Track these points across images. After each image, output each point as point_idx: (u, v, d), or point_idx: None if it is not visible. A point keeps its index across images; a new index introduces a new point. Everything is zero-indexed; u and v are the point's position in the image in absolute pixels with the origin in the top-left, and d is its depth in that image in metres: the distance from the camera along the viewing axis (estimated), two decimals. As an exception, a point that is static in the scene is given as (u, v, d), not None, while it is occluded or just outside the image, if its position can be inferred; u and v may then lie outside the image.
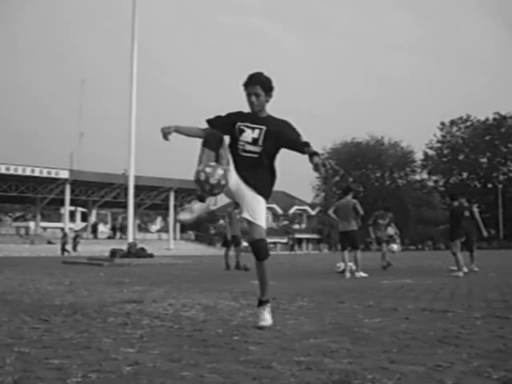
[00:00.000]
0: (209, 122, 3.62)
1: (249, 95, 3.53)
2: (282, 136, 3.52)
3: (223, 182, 3.28)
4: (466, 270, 9.04)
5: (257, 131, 3.53)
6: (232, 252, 12.48)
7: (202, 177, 3.23)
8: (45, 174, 38.35)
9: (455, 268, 10.41)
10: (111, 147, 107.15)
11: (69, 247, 32.26)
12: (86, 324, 3.66)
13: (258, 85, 3.50)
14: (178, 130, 3.55)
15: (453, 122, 65.49)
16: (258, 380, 2.14)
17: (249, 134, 3.54)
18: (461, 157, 64.88)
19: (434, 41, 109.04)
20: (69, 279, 8.59)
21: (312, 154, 3.27)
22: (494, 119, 63.29)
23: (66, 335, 3.20)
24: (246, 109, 3.62)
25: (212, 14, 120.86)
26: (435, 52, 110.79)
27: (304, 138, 3.46)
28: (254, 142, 3.53)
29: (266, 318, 3.56)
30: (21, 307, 4.64)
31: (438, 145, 65.83)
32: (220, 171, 3.25)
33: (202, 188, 3.28)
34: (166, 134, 3.51)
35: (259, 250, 3.50)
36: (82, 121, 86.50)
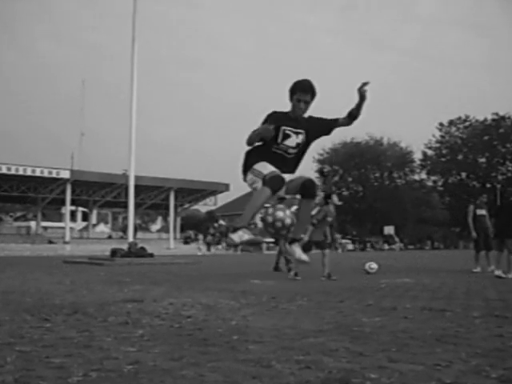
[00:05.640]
0: (269, 115, 3.58)
1: (299, 101, 3.59)
2: (317, 127, 3.66)
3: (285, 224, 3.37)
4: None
5: (300, 136, 3.64)
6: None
7: (269, 219, 3.33)
8: (46, 174, 38.28)
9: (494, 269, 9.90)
10: (112, 147, 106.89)
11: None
12: (87, 323, 3.66)
13: (310, 93, 3.58)
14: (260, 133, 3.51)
15: (451, 123, 65.43)
16: (257, 379, 2.14)
17: (293, 140, 3.64)
18: (459, 157, 64.83)
19: (428, 41, 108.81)
20: (69, 278, 8.59)
21: (351, 114, 3.53)
22: (493, 119, 63.23)
23: (67, 334, 3.21)
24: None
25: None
26: (431, 52, 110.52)
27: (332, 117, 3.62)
28: (297, 146, 3.65)
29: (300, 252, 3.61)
30: (22, 306, 4.64)
31: (437, 145, 65.75)
32: (288, 216, 3.36)
33: (266, 228, 3.36)
34: (268, 130, 3.47)
35: (312, 186, 3.59)
36: (83, 121, 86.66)
